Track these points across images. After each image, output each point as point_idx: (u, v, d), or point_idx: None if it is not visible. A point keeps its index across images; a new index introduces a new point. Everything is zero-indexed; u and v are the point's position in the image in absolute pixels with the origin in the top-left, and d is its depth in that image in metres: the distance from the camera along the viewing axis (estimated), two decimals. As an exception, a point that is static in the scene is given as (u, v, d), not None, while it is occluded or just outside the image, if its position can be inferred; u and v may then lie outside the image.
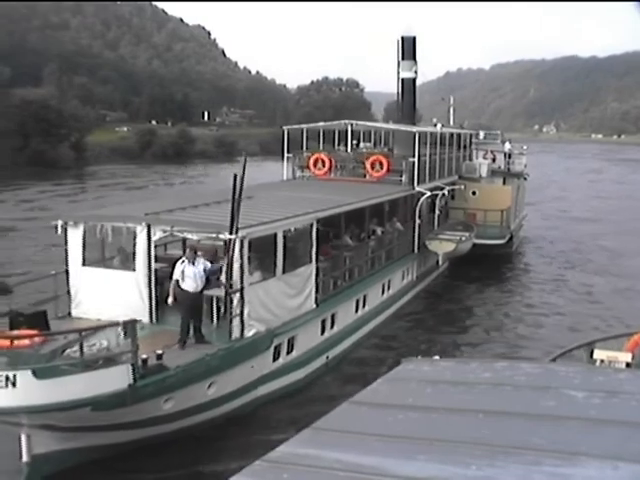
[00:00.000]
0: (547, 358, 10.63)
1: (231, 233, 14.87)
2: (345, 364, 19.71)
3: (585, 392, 3.50)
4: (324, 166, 28.73)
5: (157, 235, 15.83)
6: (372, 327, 22.45)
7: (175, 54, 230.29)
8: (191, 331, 15.30)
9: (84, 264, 16.57)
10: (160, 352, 13.64)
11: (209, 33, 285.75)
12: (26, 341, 12.79)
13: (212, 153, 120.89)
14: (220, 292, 16.11)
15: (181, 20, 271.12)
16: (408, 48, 35.14)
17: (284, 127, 30.44)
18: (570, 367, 5.14)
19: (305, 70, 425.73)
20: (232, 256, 15.07)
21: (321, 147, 31.16)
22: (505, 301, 28.03)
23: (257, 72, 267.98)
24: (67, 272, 16.60)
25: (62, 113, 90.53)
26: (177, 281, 15.28)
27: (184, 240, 18.72)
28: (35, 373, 11.81)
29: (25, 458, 12.59)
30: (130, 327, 12.82)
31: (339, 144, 31.60)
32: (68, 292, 16.39)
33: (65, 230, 16.58)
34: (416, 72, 35.27)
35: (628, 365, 10.24)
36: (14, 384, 11.59)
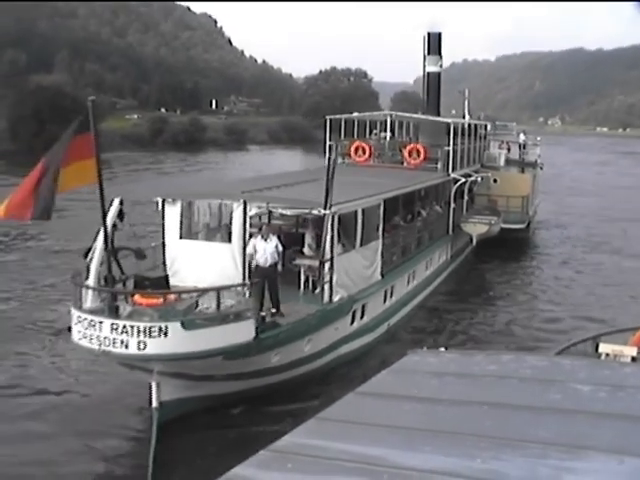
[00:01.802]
0: (552, 351, 10.55)
1: (325, 209, 16.70)
2: (402, 332, 21.80)
3: (591, 386, 3.48)
4: (364, 153, 30.59)
5: (252, 211, 17.34)
6: (419, 300, 24.48)
7: (182, 42, 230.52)
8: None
9: (181, 237, 18.07)
10: (274, 310, 15.67)
11: (215, 21, 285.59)
12: (161, 299, 14.53)
13: (223, 141, 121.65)
14: (307, 262, 18.33)
15: (188, 8, 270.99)
16: (433, 43, 36.87)
17: (327, 117, 32.34)
18: (575, 360, 5.38)
19: (309, 60, 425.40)
20: (326, 229, 16.93)
21: (355, 136, 32.82)
22: (526, 280, 30.58)
23: (263, 61, 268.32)
24: (163, 244, 18.09)
25: (77, 100, 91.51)
26: (251, 255, 16.85)
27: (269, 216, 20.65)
28: (183, 325, 13.67)
29: (154, 404, 14.17)
30: (254, 288, 14.96)
31: (370, 133, 33.77)
32: (164, 263, 17.80)
33: (163, 206, 18.15)
34: (441, 66, 37.21)
35: (633, 359, 10.23)
36: (166, 334, 13.42)
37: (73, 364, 17.91)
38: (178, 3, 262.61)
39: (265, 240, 16.88)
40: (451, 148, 29.51)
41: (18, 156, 73.22)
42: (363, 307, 19.38)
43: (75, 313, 14.24)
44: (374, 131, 34.45)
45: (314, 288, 17.72)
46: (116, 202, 15.19)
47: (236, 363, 14.71)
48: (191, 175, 71.10)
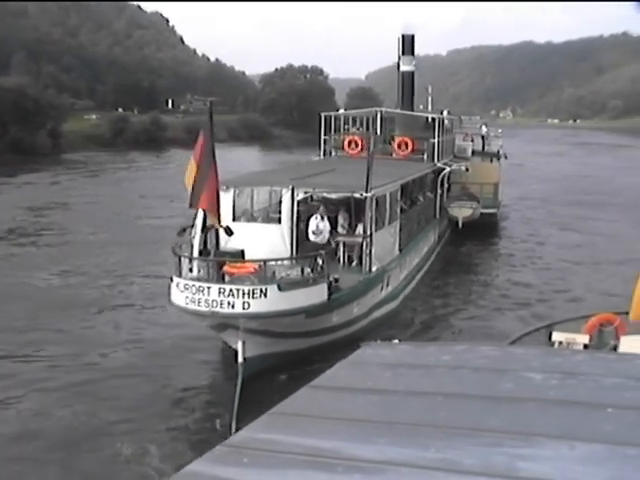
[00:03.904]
0: (506, 341, 10.88)
1: (366, 192, 19.33)
2: (415, 301, 24.73)
3: (543, 374, 3.49)
4: (357, 146, 33.24)
5: (300, 196, 19.72)
6: (421, 274, 27.26)
7: (135, 41, 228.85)
8: None
9: (234, 220, 20.10)
10: (337, 277, 18.07)
11: (167, 20, 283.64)
12: (251, 269, 16.89)
13: (183, 140, 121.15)
14: (347, 239, 20.93)
15: (139, 7, 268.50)
16: (407, 44, 39.46)
17: (322, 113, 34.98)
18: (529, 349, 5.52)
19: (260, 57, 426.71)
20: (367, 209, 19.64)
21: (342, 130, 35.83)
22: (496, 256, 34.52)
23: (216, 59, 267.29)
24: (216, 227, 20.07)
25: (38, 101, 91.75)
26: (313, 232, 19.83)
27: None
28: (279, 287, 16.25)
29: (240, 360, 16.45)
30: (327, 257, 17.70)
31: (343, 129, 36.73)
32: (217, 244, 19.56)
33: None
34: (415, 66, 39.70)
35: (586, 346, 10.61)
36: (265, 295, 15.86)
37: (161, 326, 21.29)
38: (129, 2, 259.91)
39: (322, 220, 19.88)
40: (436, 140, 32.55)
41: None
42: (388, 278, 21.94)
43: (181, 282, 16.60)
44: (346, 126, 36.58)
45: (350, 262, 20.51)
46: None
47: (310, 321, 17.26)
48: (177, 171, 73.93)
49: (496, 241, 37.70)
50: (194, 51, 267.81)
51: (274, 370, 16.84)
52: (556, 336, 11.04)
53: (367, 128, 35.75)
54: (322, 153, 34.81)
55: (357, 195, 19.89)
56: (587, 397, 3.14)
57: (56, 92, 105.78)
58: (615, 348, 10.36)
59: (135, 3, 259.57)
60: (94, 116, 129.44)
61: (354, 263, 20.51)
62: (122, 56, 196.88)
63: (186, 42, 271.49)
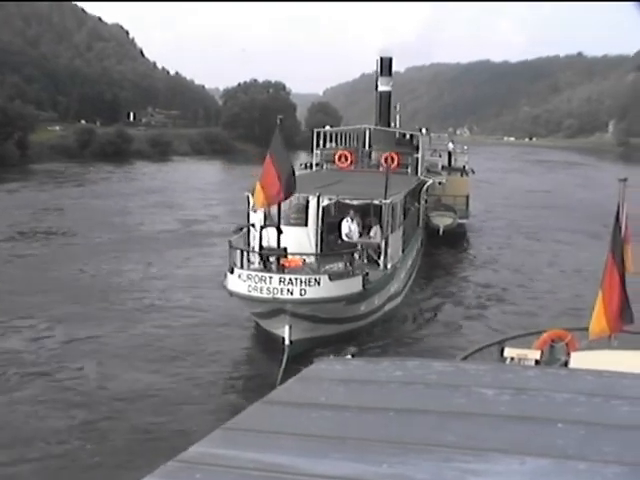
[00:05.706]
0: (458, 357, 11.09)
1: (385, 199, 22.13)
2: (414, 298, 27.20)
3: (495, 389, 3.51)
4: (346, 160, 35.66)
5: (325, 202, 22.06)
6: (414, 276, 29.46)
7: (96, 53, 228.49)
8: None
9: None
10: (367, 271, 20.55)
11: (127, 32, 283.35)
12: (299, 262, 19.68)
13: (148, 152, 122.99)
14: (369, 241, 23.05)
15: (99, 19, 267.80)
16: (385, 66, 42.01)
17: (315, 129, 37.74)
18: (481, 365, 5.53)
19: (221, 72, 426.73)
20: (385, 214, 22.51)
21: (332, 145, 38.37)
22: (469, 260, 37.59)
23: (176, 72, 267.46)
24: (249, 229, 22.33)
25: (7, 112, 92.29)
26: (347, 234, 22.41)
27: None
28: (330, 277, 18.86)
29: (287, 342, 18.82)
30: (364, 252, 20.80)
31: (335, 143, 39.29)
32: (248, 244, 21.86)
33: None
34: (392, 86, 42.03)
35: (537, 362, 10.74)
36: (319, 283, 18.47)
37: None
38: (90, 13, 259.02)
39: (352, 222, 22.42)
40: (420, 155, 35.43)
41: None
42: (396, 276, 24.24)
43: (244, 272, 19.05)
44: (319, 141, 38.47)
45: (366, 260, 22.50)
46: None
47: (347, 308, 19.71)
48: (158, 183, 76.96)
49: (468, 248, 40.53)
50: (154, 64, 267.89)
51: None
52: (508, 352, 11.30)
53: (349, 144, 38.74)
54: (314, 165, 37.28)
55: (376, 202, 22.67)
56: (538, 412, 3.16)
57: (22, 103, 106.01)
58: (566, 364, 10.55)
59: (96, 14, 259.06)
60: (58, 127, 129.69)
61: (365, 261, 22.56)
62: (83, 68, 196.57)
63: (146, 55, 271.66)
